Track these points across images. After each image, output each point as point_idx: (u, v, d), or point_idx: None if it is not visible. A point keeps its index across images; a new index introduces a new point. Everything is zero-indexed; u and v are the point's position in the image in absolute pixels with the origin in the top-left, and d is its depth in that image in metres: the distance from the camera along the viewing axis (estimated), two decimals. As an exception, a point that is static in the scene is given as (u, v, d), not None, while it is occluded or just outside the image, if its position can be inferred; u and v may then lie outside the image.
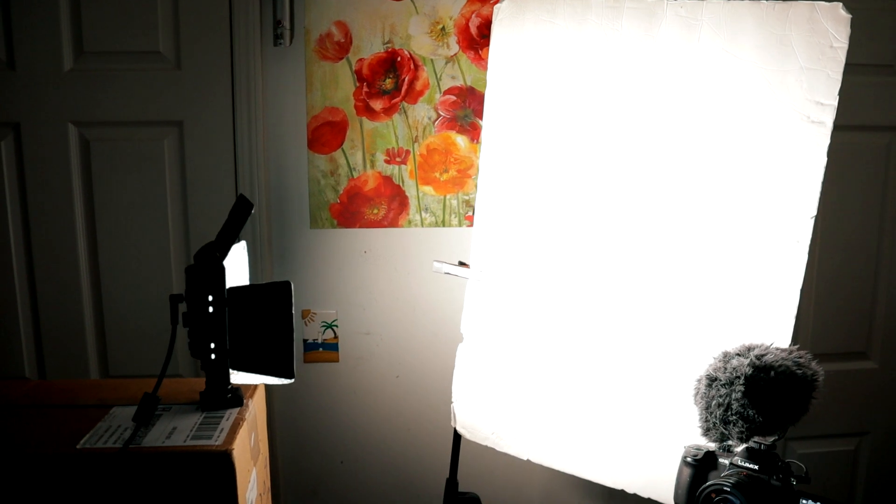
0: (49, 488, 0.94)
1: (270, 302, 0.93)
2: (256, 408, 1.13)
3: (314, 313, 1.80)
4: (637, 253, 1.26)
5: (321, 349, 1.82)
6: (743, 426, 0.91)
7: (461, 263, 1.49)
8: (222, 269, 0.94)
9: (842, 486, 2.00)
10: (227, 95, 1.66)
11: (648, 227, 1.25)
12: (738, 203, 1.18)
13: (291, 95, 1.69)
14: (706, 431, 0.96)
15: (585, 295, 1.31)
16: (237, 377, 1.03)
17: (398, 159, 1.72)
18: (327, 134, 1.70)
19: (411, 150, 1.72)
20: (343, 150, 1.71)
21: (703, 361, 1.05)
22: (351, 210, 1.74)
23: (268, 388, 1.79)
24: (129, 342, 1.75)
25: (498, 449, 1.43)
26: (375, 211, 1.74)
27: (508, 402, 1.41)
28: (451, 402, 1.49)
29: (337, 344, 1.82)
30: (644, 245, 1.25)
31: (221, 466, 0.95)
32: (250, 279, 1.73)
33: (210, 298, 0.93)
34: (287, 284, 0.92)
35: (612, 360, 1.29)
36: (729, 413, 0.92)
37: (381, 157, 1.72)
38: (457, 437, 1.49)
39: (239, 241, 1.18)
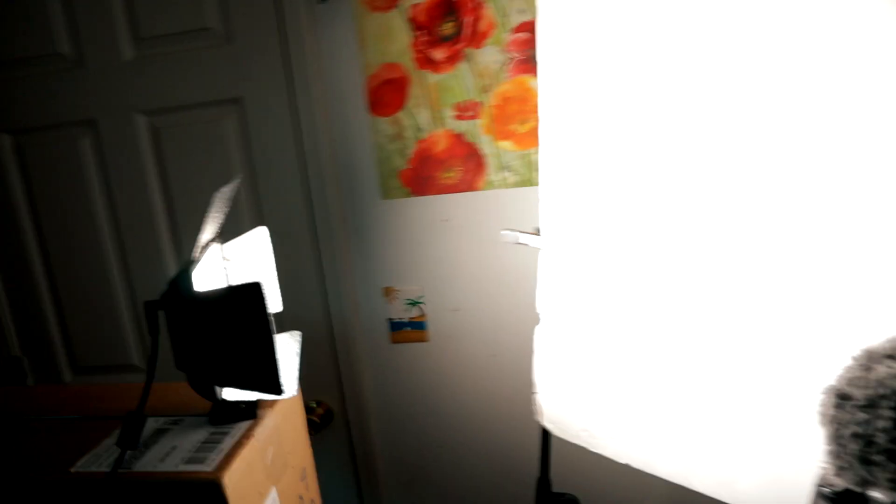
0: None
1: (242, 307, 0.74)
2: (282, 417, 0.96)
3: (397, 290, 1.61)
4: (748, 222, 0.91)
5: (408, 328, 1.63)
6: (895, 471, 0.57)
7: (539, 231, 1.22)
8: (188, 268, 0.76)
9: None
10: (280, 64, 1.49)
11: (762, 192, 0.89)
12: (873, 170, 0.79)
13: (345, 55, 1.48)
14: (839, 470, 0.63)
15: (685, 269, 0.98)
16: (232, 394, 0.86)
17: (469, 114, 1.45)
18: (388, 94, 1.47)
19: (483, 101, 1.44)
20: (407, 110, 1.48)
21: (841, 360, 0.71)
22: (423, 175, 1.51)
23: (358, 371, 1.65)
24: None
25: (590, 449, 1.15)
26: (450, 174, 1.50)
27: (600, 394, 1.13)
28: (534, 392, 1.23)
29: (425, 322, 1.62)
30: (757, 213, 0.90)
31: (211, 496, 0.79)
32: (333, 259, 1.58)
33: (180, 305, 0.76)
34: (256, 286, 0.72)
35: (726, 349, 0.96)
36: (871, 450, 0.58)
37: (449, 112, 1.46)
38: (546, 430, 1.24)
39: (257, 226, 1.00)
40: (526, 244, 1.18)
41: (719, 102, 0.92)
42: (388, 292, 1.61)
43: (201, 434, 0.89)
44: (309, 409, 1.69)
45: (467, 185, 1.50)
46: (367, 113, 1.50)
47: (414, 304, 1.61)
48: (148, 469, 0.82)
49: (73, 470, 0.84)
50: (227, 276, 0.96)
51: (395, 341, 1.64)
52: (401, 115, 1.48)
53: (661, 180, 0.98)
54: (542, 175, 1.14)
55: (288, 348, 0.94)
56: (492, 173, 1.48)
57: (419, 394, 1.66)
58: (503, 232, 1.21)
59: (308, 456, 1.05)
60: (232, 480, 0.80)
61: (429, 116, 1.47)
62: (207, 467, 0.80)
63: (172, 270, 1.66)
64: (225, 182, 1.57)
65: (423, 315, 1.61)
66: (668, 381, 1.03)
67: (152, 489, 0.80)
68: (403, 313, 1.62)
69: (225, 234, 1.15)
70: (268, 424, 0.91)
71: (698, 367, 0.98)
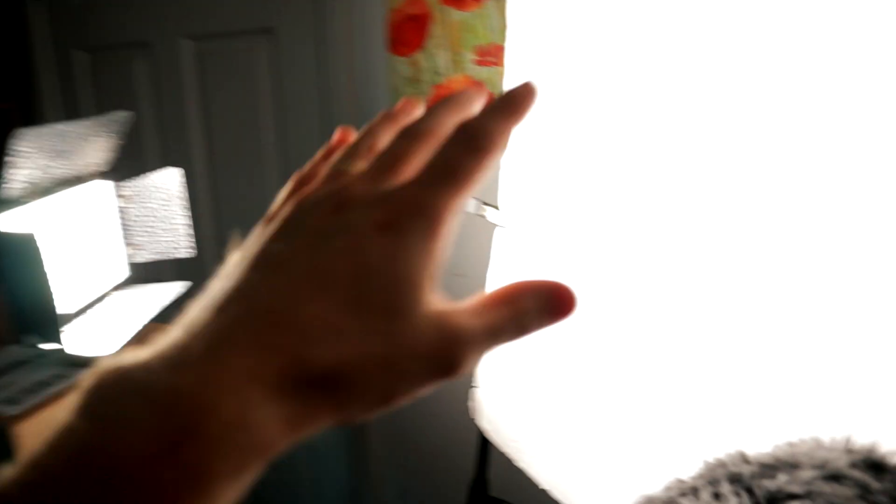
0: None
1: (17, 254, 0.67)
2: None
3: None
4: (735, 217, 0.66)
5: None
6: None
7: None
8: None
9: None
10: (311, -6, 1.39)
11: (754, 179, 0.64)
12: (874, 168, 0.50)
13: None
14: None
15: (652, 271, 0.75)
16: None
17: (491, 59, 1.25)
18: (409, 31, 1.31)
19: (507, 46, 1.23)
20: (426, 50, 1.31)
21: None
22: (438, 127, 1.34)
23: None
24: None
25: (517, 464, 0.97)
26: (466, 128, 1.32)
27: (536, 405, 0.93)
28: (473, 386, 1.06)
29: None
30: (746, 204, 0.65)
31: None
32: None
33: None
34: (28, 237, 0.64)
35: (687, 374, 0.73)
36: None
37: (469, 56, 1.27)
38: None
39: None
40: (483, 216, 0.99)
41: (708, 93, 0.68)
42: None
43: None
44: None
45: (484, 142, 1.31)
46: (385, 51, 1.35)
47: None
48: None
49: None
50: (122, 216, 0.90)
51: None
52: (419, 55, 1.31)
53: (635, 168, 0.75)
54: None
55: (130, 305, 0.87)
56: (511, 131, 1.27)
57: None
58: (468, 199, 1.02)
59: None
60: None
61: (448, 59, 1.29)
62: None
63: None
64: (253, 113, 1.52)
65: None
66: (610, 403, 0.82)
67: None
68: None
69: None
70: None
71: (652, 392, 0.76)
